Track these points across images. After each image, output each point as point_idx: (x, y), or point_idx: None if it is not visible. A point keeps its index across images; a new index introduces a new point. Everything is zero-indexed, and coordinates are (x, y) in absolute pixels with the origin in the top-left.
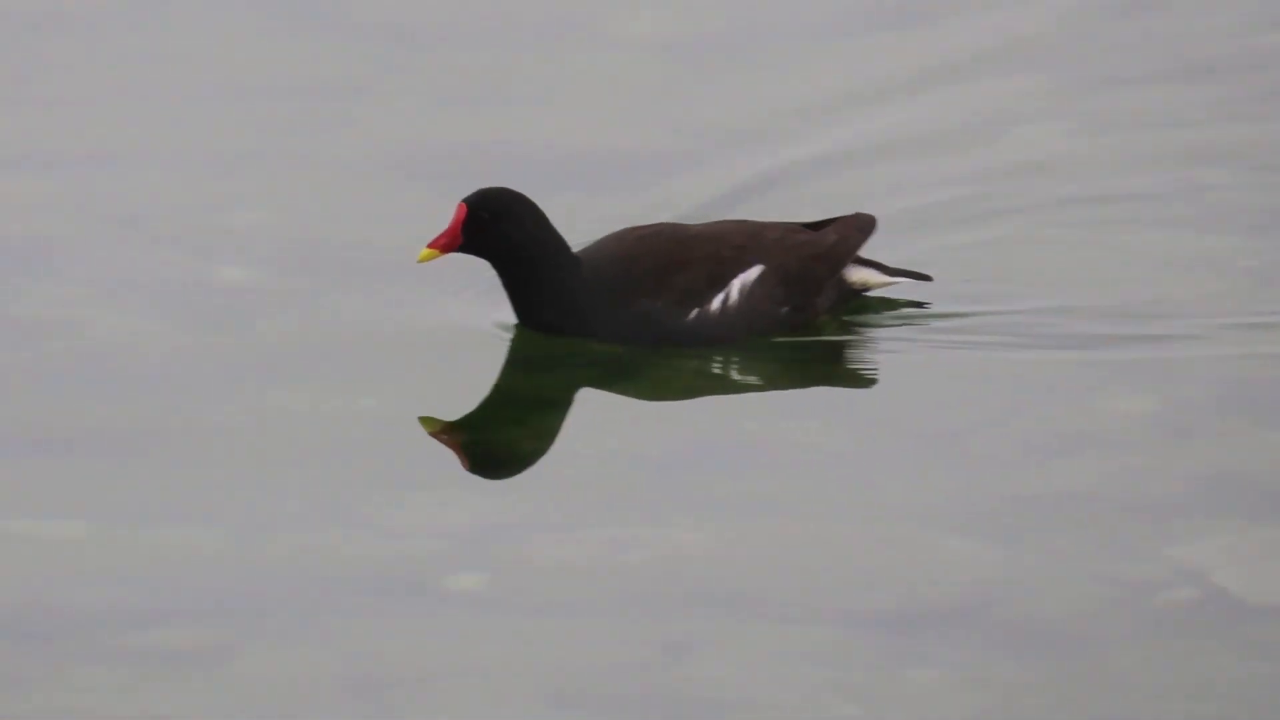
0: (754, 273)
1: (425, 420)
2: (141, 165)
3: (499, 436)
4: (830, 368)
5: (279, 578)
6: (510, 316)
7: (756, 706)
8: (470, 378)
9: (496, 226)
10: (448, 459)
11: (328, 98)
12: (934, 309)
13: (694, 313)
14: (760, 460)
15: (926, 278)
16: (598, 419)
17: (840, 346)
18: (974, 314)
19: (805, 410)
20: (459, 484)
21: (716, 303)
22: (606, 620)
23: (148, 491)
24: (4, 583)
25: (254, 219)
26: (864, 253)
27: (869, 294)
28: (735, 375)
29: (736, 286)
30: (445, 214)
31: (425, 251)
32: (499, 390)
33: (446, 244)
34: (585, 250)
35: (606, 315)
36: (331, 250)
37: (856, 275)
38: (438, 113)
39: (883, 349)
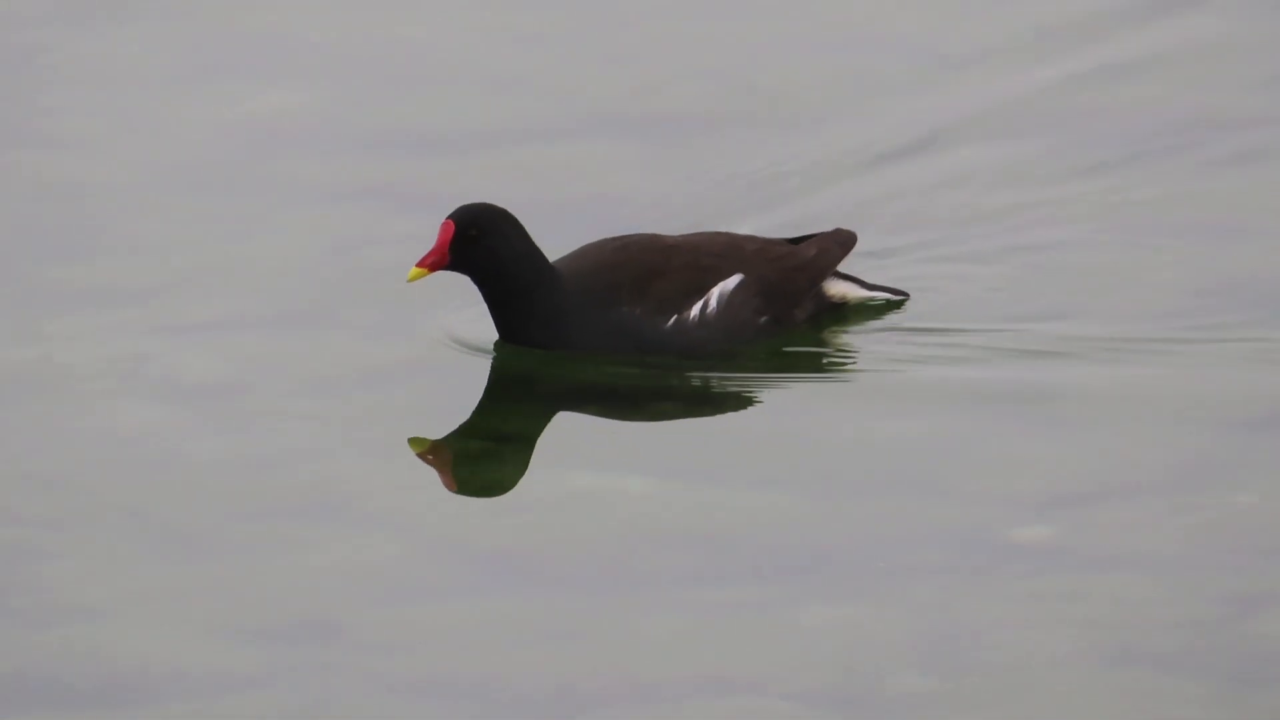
0: (733, 281)
1: (414, 441)
2: None
3: (485, 457)
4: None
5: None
6: (492, 333)
7: None
8: (454, 397)
9: (483, 243)
10: None
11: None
12: (914, 324)
13: (672, 320)
14: None
15: (904, 294)
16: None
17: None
18: (950, 330)
19: None
20: None
21: (695, 310)
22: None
23: None
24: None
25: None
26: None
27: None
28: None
29: (715, 295)
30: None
31: (414, 271)
32: (484, 409)
33: (435, 262)
34: (563, 260)
35: (586, 325)
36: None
37: (835, 289)
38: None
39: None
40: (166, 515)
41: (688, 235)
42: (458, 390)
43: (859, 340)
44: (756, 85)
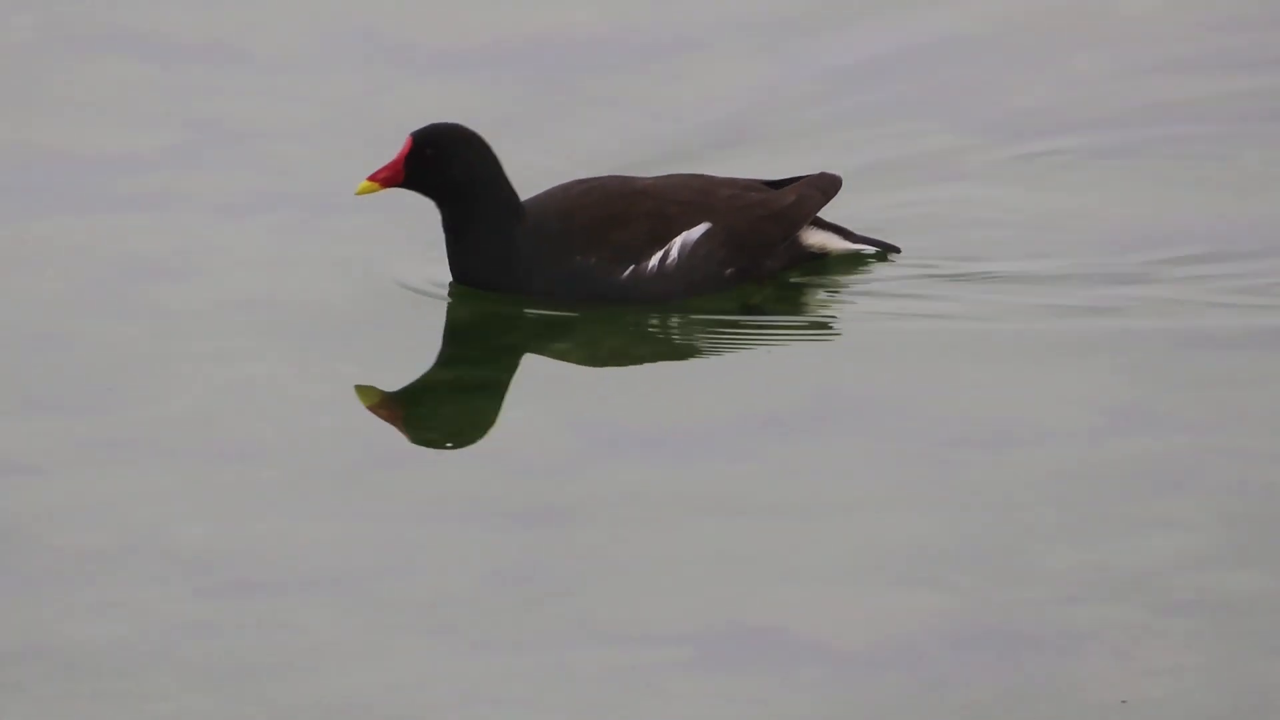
0: (698, 231)
1: (362, 391)
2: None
3: (441, 408)
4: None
5: None
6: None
7: None
8: (407, 343)
9: (440, 164)
10: None
11: None
12: (898, 274)
13: (629, 270)
14: None
15: (895, 249)
16: (546, 386)
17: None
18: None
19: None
20: None
21: (654, 260)
22: None
23: None
24: None
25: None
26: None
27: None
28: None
29: (678, 245)
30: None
31: (364, 184)
32: (439, 357)
33: (388, 178)
34: (531, 201)
35: (539, 271)
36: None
37: (814, 238)
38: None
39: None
40: None
41: (662, 178)
42: (408, 334)
43: (830, 294)
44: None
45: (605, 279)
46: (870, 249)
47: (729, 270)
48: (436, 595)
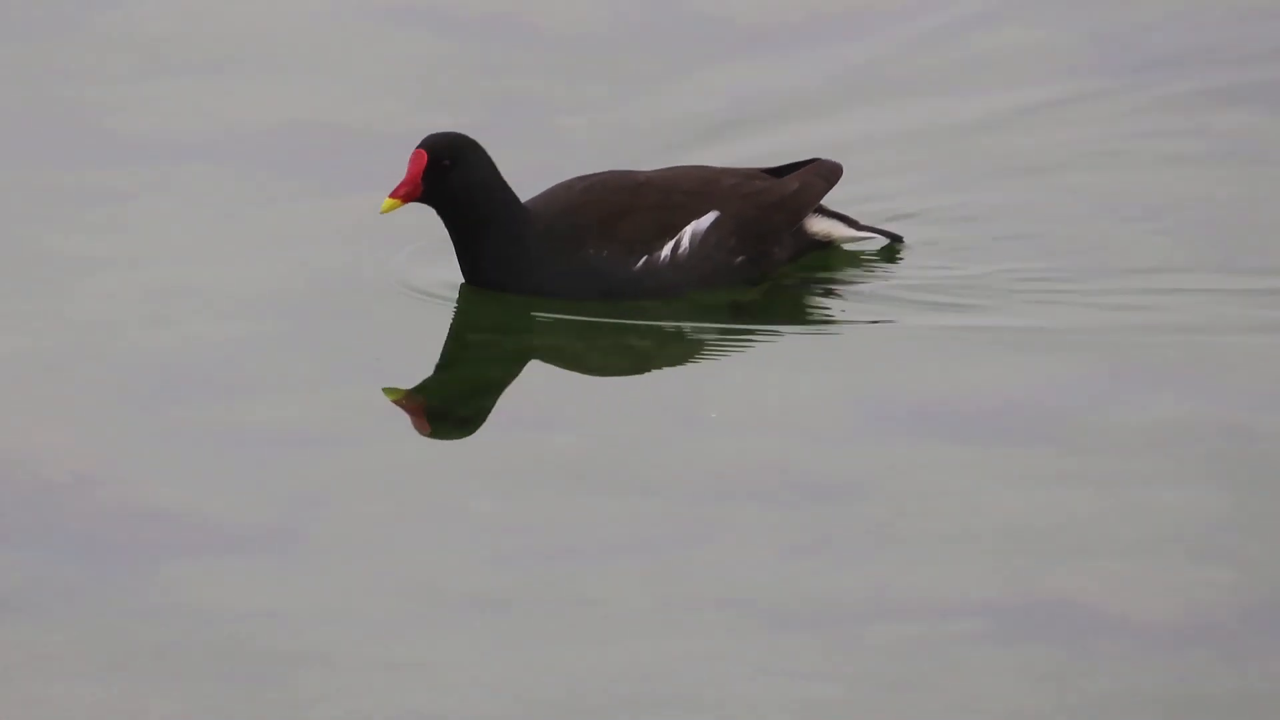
0: (707, 220)
1: (388, 390)
2: None
3: (462, 401)
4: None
5: None
6: (456, 275)
7: None
8: (420, 341)
9: (456, 172)
10: None
11: None
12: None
13: (641, 261)
14: None
15: (898, 238)
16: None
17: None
18: (941, 268)
19: None
20: None
21: (666, 251)
22: None
23: None
24: None
25: None
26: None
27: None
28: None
29: (688, 234)
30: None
31: (388, 202)
32: (453, 353)
33: (408, 193)
34: (531, 202)
35: (552, 269)
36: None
37: (819, 226)
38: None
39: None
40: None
41: (661, 170)
42: (420, 333)
43: (841, 286)
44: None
45: (618, 272)
46: (874, 237)
47: (739, 259)
48: (728, 569)
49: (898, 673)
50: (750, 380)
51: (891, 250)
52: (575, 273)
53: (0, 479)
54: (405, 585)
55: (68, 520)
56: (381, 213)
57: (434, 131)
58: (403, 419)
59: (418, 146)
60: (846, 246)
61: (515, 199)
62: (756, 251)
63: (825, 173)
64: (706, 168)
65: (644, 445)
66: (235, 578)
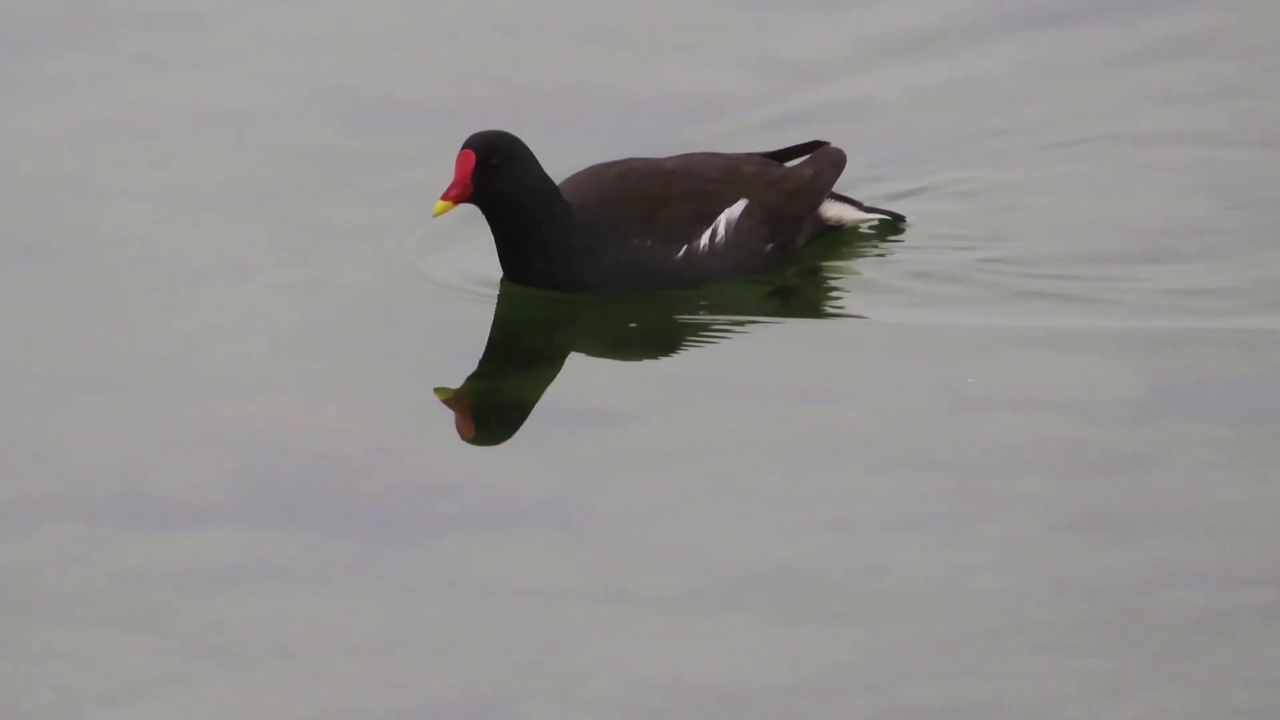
0: (739, 208)
1: (438, 390)
2: None
3: (510, 398)
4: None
5: None
6: (496, 271)
7: None
8: (463, 338)
9: (504, 171)
10: None
11: None
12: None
13: (682, 250)
14: None
15: (900, 218)
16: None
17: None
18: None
19: None
20: None
21: (704, 239)
22: None
23: None
24: None
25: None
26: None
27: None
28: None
29: (723, 222)
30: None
31: (440, 204)
32: (497, 350)
33: (459, 194)
34: (566, 192)
35: (597, 262)
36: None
37: (831, 211)
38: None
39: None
40: None
41: (681, 157)
42: (463, 330)
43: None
44: None
45: (662, 262)
46: (880, 218)
47: (769, 246)
48: (1013, 534)
49: (1182, 645)
50: (994, 360)
51: (892, 227)
52: (621, 264)
53: (292, 453)
54: (686, 560)
55: (353, 495)
56: (434, 216)
57: (476, 131)
58: (689, 392)
59: (463, 147)
60: (853, 227)
61: (559, 194)
62: (784, 237)
63: (833, 159)
64: (720, 155)
65: (921, 420)
66: (517, 553)
